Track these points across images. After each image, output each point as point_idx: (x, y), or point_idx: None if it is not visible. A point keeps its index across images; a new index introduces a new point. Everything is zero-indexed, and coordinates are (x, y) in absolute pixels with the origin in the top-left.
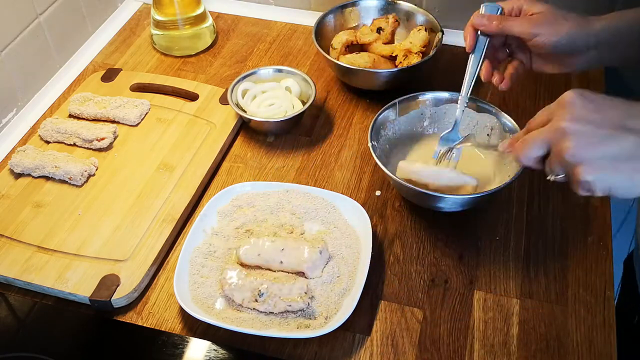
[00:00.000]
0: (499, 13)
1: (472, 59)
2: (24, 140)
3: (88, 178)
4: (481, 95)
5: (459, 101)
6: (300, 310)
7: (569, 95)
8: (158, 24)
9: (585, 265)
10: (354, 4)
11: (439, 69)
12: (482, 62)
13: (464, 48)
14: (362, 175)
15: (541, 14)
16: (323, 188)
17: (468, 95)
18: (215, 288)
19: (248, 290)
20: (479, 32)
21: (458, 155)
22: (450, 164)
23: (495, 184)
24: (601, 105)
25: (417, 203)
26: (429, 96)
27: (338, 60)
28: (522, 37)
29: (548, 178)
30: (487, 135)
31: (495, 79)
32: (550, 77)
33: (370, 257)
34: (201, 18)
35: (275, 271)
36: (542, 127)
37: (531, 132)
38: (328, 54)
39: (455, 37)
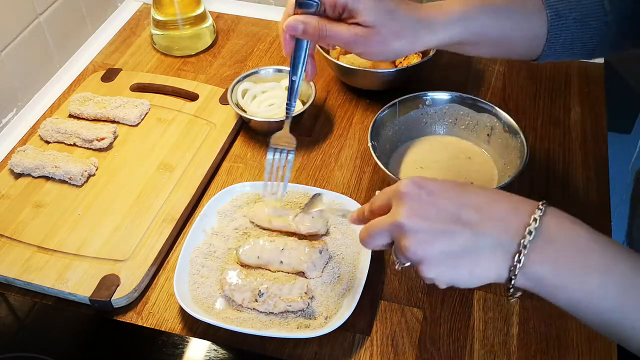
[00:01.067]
0: (316, 9)
1: (292, 61)
2: (24, 140)
3: (88, 178)
4: (481, 95)
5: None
6: (300, 310)
7: (405, 186)
8: (158, 24)
9: None
10: None
11: (439, 69)
12: (304, 64)
13: None
14: (362, 175)
15: (367, 30)
16: (323, 188)
17: (293, 104)
18: (215, 288)
19: (248, 290)
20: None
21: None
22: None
23: (495, 184)
24: (436, 197)
25: None
26: (429, 96)
27: (338, 60)
28: (343, 47)
29: (395, 267)
30: (487, 135)
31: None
32: (550, 76)
33: (370, 257)
34: (201, 18)
35: (275, 271)
36: (383, 216)
37: (373, 222)
38: (328, 54)
39: None
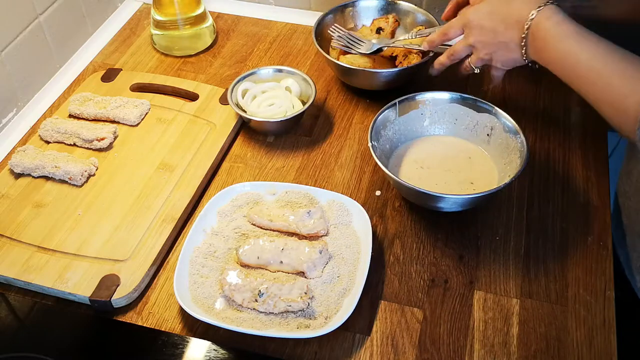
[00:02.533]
0: None
1: None
2: (24, 140)
3: (88, 178)
4: (481, 95)
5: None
6: (300, 310)
7: (469, 22)
8: (158, 24)
9: (585, 265)
10: (354, 4)
11: None
12: None
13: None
14: (362, 175)
15: None
16: (323, 188)
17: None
18: (215, 288)
19: (248, 290)
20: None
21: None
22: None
23: (495, 184)
24: (485, 20)
25: (417, 203)
26: (429, 96)
27: (338, 60)
28: None
29: (469, 70)
30: (487, 135)
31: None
32: (550, 76)
33: (370, 257)
34: (201, 18)
35: (275, 271)
36: (460, 41)
37: (455, 46)
38: (328, 54)
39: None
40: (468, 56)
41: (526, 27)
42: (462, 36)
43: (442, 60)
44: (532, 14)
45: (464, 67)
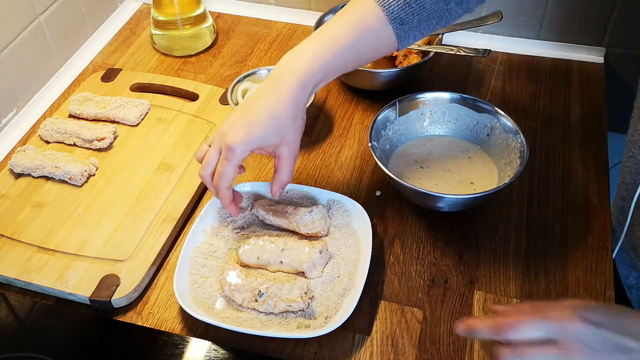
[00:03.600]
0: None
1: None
2: (24, 140)
3: (88, 178)
4: (481, 95)
5: None
6: (300, 310)
7: (578, 324)
8: (158, 24)
9: (585, 265)
10: None
11: (439, 69)
12: None
13: (464, 48)
14: (362, 175)
15: (282, 145)
16: (323, 188)
17: None
18: (215, 288)
19: (248, 290)
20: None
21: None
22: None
23: (495, 184)
24: (605, 327)
25: (417, 203)
26: (429, 96)
27: None
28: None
29: None
30: (487, 135)
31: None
32: (550, 76)
33: (370, 257)
34: (201, 18)
35: (275, 271)
36: (545, 346)
37: (536, 346)
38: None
39: (455, 37)
40: None
41: None
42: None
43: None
44: None
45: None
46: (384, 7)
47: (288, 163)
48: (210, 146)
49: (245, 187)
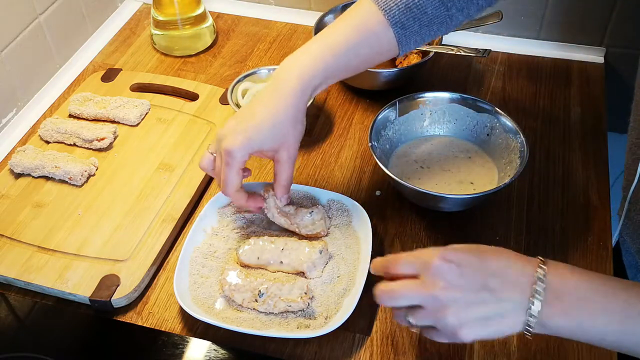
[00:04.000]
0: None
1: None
2: (24, 140)
3: (88, 178)
4: (481, 95)
5: None
6: (300, 310)
7: (436, 262)
8: (158, 24)
9: (585, 265)
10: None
11: (439, 69)
12: None
13: (464, 48)
14: (362, 175)
15: (281, 150)
16: (323, 188)
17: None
18: (215, 288)
19: (248, 290)
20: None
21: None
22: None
23: (495, 184)
24: (463, 268)
25: (417, 203)
26: (429, 96)
27: None
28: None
29: (408, 325)
30: (487, 135)
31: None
32: (550, 76)
33: (370, 257)
34: (201, 18)
35: (275, 271)
36: (409, 282)
37: (400, 286)
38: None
39: (455, 37)
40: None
41: (539, 282)
42: (412, 281)
43: (380, 288)
44: (541, 268)
45: (398, 317)
46: (385, 11)
47: (287, 167)
48: (212, 154)
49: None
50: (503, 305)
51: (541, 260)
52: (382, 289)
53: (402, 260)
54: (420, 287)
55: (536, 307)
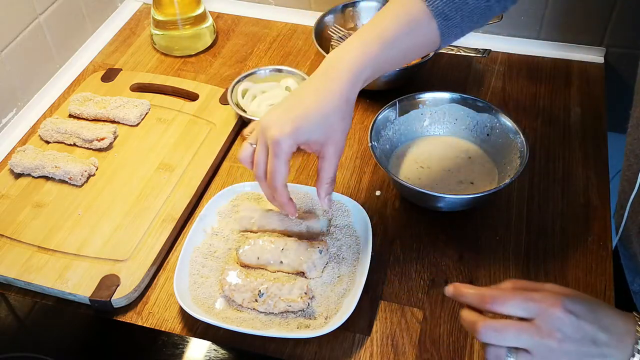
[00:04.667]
0: None
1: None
2: (24, 140)
3: (88, 178)
4: (481, 95)
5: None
6: (300, 310)
7: (557, 312)
8: (158, 24)
9: (585, 265)
10: (354, 5)
11: (439, 69)
12: None
13: (464, 48)
14: (362, 175)
15: (328, 143)
16: None
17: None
18: (215, 288)
19: (248, 290)
20: None
21: None
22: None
23: (495, 184)
24: (582, 322)
25: (417, 203)
26: (429, 96)
27: None
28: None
29: None
30: (487, 135)
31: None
32: (550, 76)
33: (370, 257)
34: (201, 18)
35: (275, 271)
36: (523, 324)
37: (512, 325)
38: (328, 54)
39: None
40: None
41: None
42: (526, 324)
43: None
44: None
45: (495, 355)
46: (429, 1)
47: (332, 163)
48: (251, 144)
49: (246, 188)
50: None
51: (637, 317)
52: (489, 325)
53: (514, 301)
54: (535, 333)
55: None
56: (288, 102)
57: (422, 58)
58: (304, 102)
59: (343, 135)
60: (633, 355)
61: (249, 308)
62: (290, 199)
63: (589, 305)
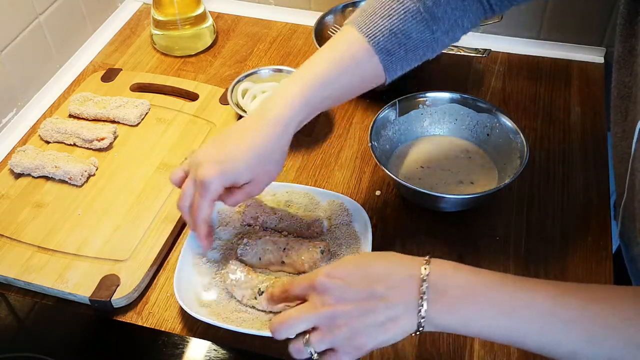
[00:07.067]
0: None
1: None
2: (24, 140)
3: (88, 178)
4: (481, 95)
5: None
6: None
7: (318, 282)
8: (158, 24)
9: (585, 265)
10: (354, 4)
11: (439, 69)
12: None
13: (464, 48)
14: (362, 175)
15: (252, 183)
16: (323, 188)
17: None
18: (215, 288)
19: (248, 287)
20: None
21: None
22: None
23: (495, 184)
24: (347, 281)
25: (417, 203)
26: (429, 96)
27: None
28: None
29: (310, 357)
30: (487, 135)
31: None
32: (550, 77)
33: None
34: (201, 18)
35: (276, 271)
36: (299, 306)
37: (290, 313)
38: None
39: None
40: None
41: (423, 282)
42: (303, 304)
43: (274, 301)
44: (425, 268)
45: (297, 350)
46: (369, 37)
47: (243, 197)
48: (183, 170)
49: None
50: (394, 309)
51: (426, 260)
52: (274, 321)
53: (295, 284)
54: (310, 308)
55: (424, 307)
56: (221, 140)
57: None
58: (236, 143)
59: (268, 178)
60: (420, 298)
61: (248, 305)
62: (209, 234)
63: (355, 265)
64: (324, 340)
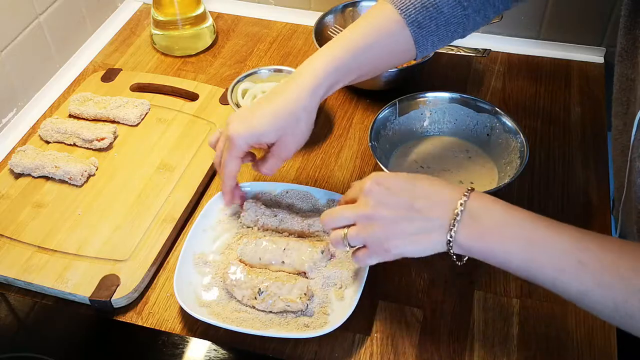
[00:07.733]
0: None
1: None
2: (24, 140)
3: (88, 178)
4: (481, 95)
5: None
6: (299, 310)
7: (367, 186)
8: (158, 24)
9: None
10: (354, 5)
11: (439, 69)
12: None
13: (464, 48)
14: (362, 175)
15: (279, 145)
16: (323, 188)
17: None
18: (215, 288)
19: (248, 287)
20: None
21: None
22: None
23: (495, 184)
24: (393, 191)
25: None
26: (429, 96)
27: None
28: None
29: (344, 248)
30: (487, 135)
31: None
32: (550, 76)
33: None
34: (201, 18)
35: (276, 271)
36: (347, 205)
37: (338, 208)
38: None
39: None
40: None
41: (460, 206)
42: (350, 204)
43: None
44: (466, 194)
45: (335, 240)
46: (401, 10)
47: (275, 161)
48: (220, 132)
49: (245, 187)
50: (429, 223)
51: (468, 189)
52: (325, 213)
53: (350, 190)
54: (354, 207)
55: (455, 228)
56: (254, 103)
57: (423, 58)
58: (263, 105)
59: (295, 140)
60: (453, 219)
61: (247, 305)
62: (234, 191)
63: (404, 178)
64: (358, 236)
